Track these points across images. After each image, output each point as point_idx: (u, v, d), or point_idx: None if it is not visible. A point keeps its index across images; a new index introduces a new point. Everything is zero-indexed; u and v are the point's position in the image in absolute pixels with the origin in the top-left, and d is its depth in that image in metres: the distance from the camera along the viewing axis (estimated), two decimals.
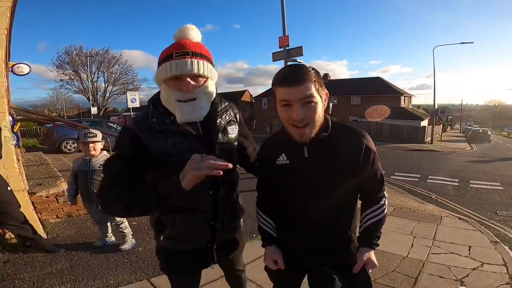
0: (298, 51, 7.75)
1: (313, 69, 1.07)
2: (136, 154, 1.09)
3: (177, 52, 1.05)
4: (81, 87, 35.21)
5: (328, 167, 1.14)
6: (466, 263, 2.97)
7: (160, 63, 1.08)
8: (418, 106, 46.00)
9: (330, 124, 1.16)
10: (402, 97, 33.66)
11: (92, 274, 2.68)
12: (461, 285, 2.49)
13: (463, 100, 73.82)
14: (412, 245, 3.42)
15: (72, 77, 34.26)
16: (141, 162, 1.09)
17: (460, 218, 4.62)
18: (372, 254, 1.20)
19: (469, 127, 46.02)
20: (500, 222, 4.64)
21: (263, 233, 1.34)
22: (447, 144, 24.19)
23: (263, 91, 42.40)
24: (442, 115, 29.57)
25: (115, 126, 12.07)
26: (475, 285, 2.54)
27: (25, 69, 5.23)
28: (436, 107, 25.77)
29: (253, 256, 2.99)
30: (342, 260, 1.24)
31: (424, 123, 28.51)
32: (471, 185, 7.59)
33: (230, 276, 1.64)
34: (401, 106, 32.21)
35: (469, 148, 21.24)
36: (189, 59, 1.05)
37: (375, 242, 1.22)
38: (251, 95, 45.38)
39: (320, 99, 1.08)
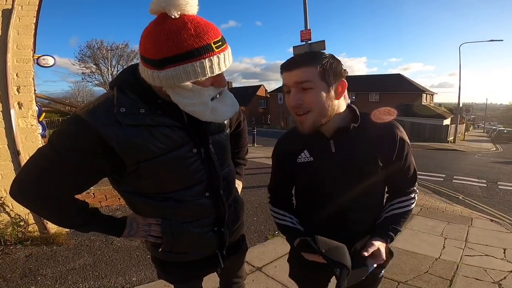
0: (321, 45, 7.28)
1: (323, 54, 0.96)
2: (92, 169, 0.83)
3: (216, 41, 0.79)
4: (102, 80, 36.12)
5: (359, 162, 1.01)
6: (502, 266, 2.79)
7: (182, 58, 0.75)
8: (440, 105, 44.52)
9: (359, 114, 1.04)
10: (424, 95, 32.67)
11: (115, 270, 2.60)
12: None
13: (487, 99, 70.65)
14: (444, 247, 3.24)
15: (94, 70, 35.18)
16: (95, 176, 0.86)
17: (491, 220, 4.39)
18: (383, 247, 0.99)
19: (493, 127, 44.21)
20: None
21: (288, 229, 1.14)
22: (471, 144, 23.30)
23: (278, 86, 42.12)
24: (466, 114, 28.37)
25: None
26: None
27: (50, 61, 5.30)
28: (460, 105, 24.76)
29: (276, 254, 2.93)
30: None
31: (447, 121, 27.56)
32: (499, 187, 7.22)
33: (226, 285, 1.35)
34: (423, 103, 31.24)
35: (494, 149, 20.38)
36: (229, 48, 0.84)
37: (390, 235, 1.03)
38: (266, 90, 45.24)
39: (326, 87, 0.94)
